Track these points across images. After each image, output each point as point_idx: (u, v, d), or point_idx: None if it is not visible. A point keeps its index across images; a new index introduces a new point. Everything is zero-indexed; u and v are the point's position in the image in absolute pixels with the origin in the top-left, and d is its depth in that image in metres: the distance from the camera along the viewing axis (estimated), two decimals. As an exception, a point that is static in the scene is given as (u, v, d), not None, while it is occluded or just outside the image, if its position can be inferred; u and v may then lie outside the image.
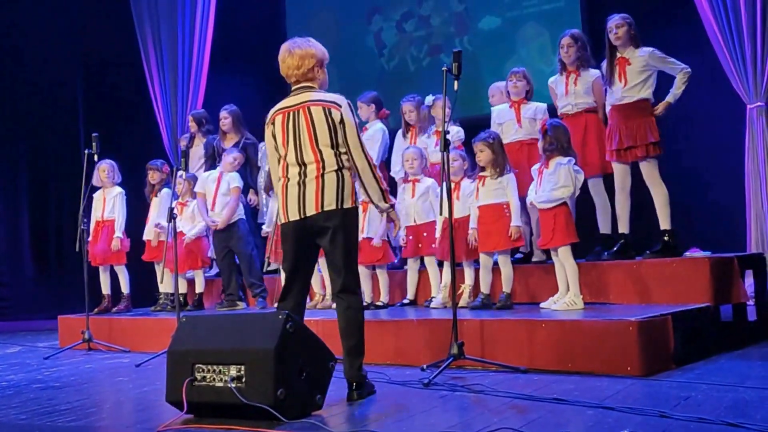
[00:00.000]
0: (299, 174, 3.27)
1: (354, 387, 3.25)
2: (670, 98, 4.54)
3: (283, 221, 3.35)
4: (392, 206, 3.45)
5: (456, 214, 4.41)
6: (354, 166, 3.29)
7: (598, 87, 4.91)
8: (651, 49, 4.55)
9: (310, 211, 3.23)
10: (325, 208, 3.22)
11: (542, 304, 4.39)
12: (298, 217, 3.26)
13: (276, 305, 3.44)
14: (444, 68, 3.74)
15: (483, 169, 4.64)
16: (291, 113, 3.30)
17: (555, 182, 4.27)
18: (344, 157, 3.28)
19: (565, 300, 4.18)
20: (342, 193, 3.24)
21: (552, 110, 5.14)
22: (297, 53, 3.31)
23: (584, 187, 4.79)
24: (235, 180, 5.94)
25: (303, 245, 3.32)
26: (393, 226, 3.64)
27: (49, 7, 8.48)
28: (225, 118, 6.52)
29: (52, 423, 3.09)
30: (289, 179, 3.30)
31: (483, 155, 4.59)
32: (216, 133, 6.72)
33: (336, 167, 3.25)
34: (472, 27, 7.42)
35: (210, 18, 8.38)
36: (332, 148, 3.25)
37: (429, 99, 5.42)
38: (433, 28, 7.67)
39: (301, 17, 8.53)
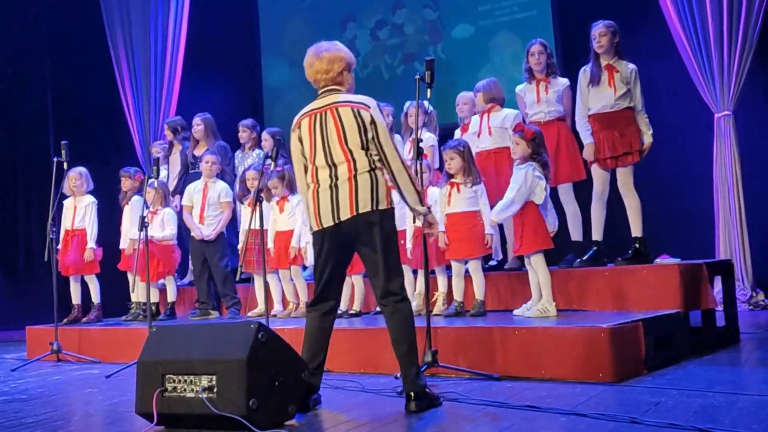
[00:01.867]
0: (330, 177, 3.15)
1: (412, 397, 3.06)
2: (648, 138, 4.58)
3: (315, 229, 3.20)
4: (429, 209, 3.37)
5: (417, 222, 4.40)
6: (388, 168, 3.18)
7: (567, 96, 4.97)
8: (635, 67, 4.61)
9: (345, 215, 3.11)
10: (360, 211, 3.10)
11: (515, 311, 4.41)
12: (332, 223, 3.13)
13: (307, 310, 3.31)
14: (417, 76, 3.75)
15: (452, 176, 4.64)
16: (318, 115, 3.20)
17: (511, 187, 4.29)
18: (376, 158, 3.16)
19: (538, 307, 4.20)
20: (377, 194, 3.12)
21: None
22: (326, 57, 3.23)
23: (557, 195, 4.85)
24: (225, 194, 5.90)
25: (339, 252, 3.21)
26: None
27: (19, 13, 8.35)
28: (197, 125, 6.48)
29: (18, 437, 3.03)
30: (319, 184, 3.17)
31: (454, 162, 4.60)
32: (190, 140, 6.67)
33: (368, 168, 3.14)
34: (446, 35, 7.48)
35: (183, 24, 8.33)
36: (362, 148, 3.15)
37: (406, 106, 5.46)
38: (406, 36, 7.71)
39: (275, 24, 8.52)
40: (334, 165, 3.15)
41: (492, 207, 4.52)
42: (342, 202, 3.12)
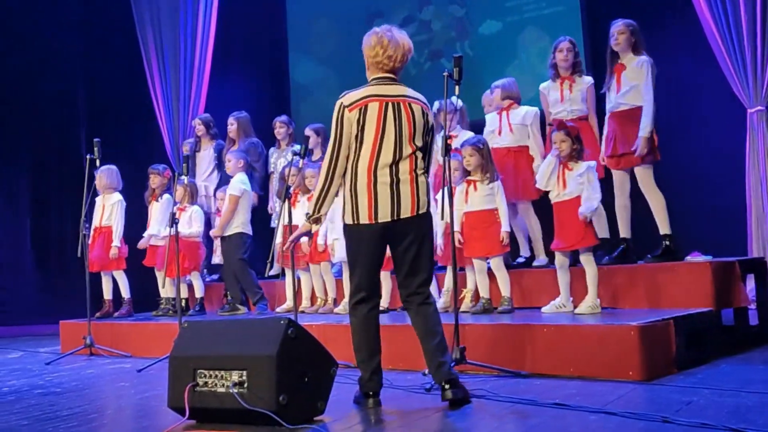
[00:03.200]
0: (391, 173, 3.08)
1: (449, 386, 3.06)
2: (642, 133, 4.43)
3: (366, 222, 3.10)
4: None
5: (444, 219, 4.40)
6: (426, 170, 3.23)
7: (591, 95, 4.93)
8: (647, 58, 4.51)
9: (405, 213, 3.09)
10: (420, 211, 3.12)
11: (543, 309, 4.39)
12: (389, 219, 3.09)
13: (352, 308, 3.26)
14: (445, 73, 3.74)
15: (468, 173, 4.63)
16: (391, 104, 3.11)
17: (582, 184, 4.24)
18: (424, 162, 3.20)
19: (588, 304, 4.15)
20: (428, 196, 3.19)
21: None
22: (403, 44, 3.17)
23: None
24: (231, 187, 5.90)
25: (383, 248, 3.19)
26: None
27: (51, 13, 8.50)
28: (231, 125, 6.54)
29: (54, 429, 3.09)
30: (377, 177, 3.08)
31: (473, 159, 4.58)
32: (223, 137, 6.74)
33: (424, 170, 3.18)
34: (473, 32, 7.44)
35: (212, 22, 8.39)
36: (421, 149, 3.16)
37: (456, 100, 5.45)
38: (433, 33, 7.69)
39: (302, 21, 8.55)
40: (399, 160, 3.09)
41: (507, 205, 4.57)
42: (404, 201, 3.08)
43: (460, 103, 5.42)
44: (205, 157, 6.82)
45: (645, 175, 4.52)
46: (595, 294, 4.18)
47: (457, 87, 3.75)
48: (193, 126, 7.21)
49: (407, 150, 3.11)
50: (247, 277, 5.85)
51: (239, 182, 5.92)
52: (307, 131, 6.21)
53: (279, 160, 6.41)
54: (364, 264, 3.16)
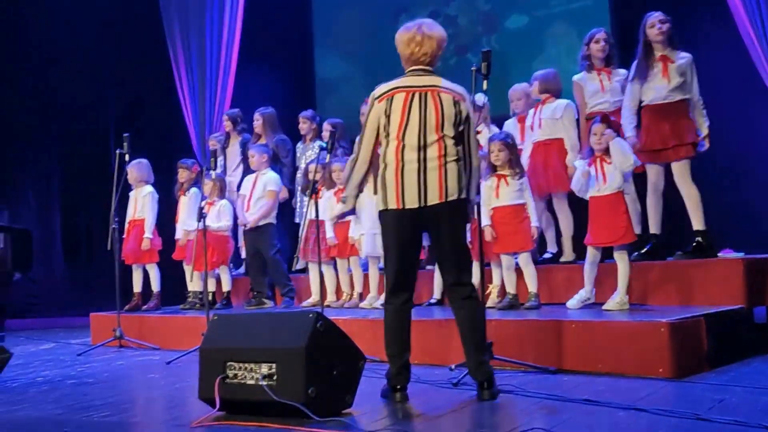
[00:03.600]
0: (418, 160, 3.09)
1: (485, 386, 3.10)
2: (705, 131, 4.48)
3: (394, 207, 3.12)
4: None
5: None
6: (469, 162, 3.20)
7: (624, 87, 4.84)
8: (690, 56, 4.50)
9: (433, 200, 3.08)
10: (449, 198, 3.10)
11: (568, 303, 4.35)
12: (416, 206, 3.09)
13: (385, 301, 3.25)
14: (473, 68, 3.72)
15: (494, 168, 4.61)
16: (417, 94, 3.14)
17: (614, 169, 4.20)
18: (461, 152, 3.18)
19: (617, 300, 4.12)
20: (462, 183, 3.15)
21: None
22: (436, 37, 3.21)
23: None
24: (271, 183, 5.96)
25: (416, 234, 3.19)
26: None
27: (81, 11, 8.62)
28: (257, 120, 6.58)
29: (88, 418, 3.15)
30: (404, 164, 3.10)
31: (502, 155, 4.55)
32: (250, 132, 6.78)
33: (456, 157, 3.15)
34: (499, 26, 7.39)
35: (238, 16, 8.44)
36: (453, 138, 3.15)
37: (480, 98, 5.44)
38: (460, 28, 7.65)
39: (328, 15, 8.56)
40: (425, 147, 3.10)
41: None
42: (431, 187, 3.08)
43: (483, 99, 5.39)
44: (233, 152, 6.87)
45: (683, 169, 4.44)
46: (625, 291, 4.14)
47: (485, 82, 3.72)
48: (222, 120, 7.27)
49: (432, 137, 3.11)
50: (280, 268, 5.89)
51: (276, 177, 5.99)
52: (326, 126, 6.24)
53: (304, 154, 6.43)
54: (395, 252, 3.17)
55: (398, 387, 3.22)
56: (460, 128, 3.17)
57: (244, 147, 6.72)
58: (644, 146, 4.52)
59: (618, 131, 4.31)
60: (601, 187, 4.22)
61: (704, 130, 4.48)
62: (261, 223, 5.92)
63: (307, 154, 6.35)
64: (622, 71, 4.88)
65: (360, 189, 3.31)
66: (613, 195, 4.19)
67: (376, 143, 3.21)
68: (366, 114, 3.24)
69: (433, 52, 3.21)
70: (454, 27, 7.69)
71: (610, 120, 4.32)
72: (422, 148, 3.11)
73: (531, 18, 7.19)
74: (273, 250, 5.91)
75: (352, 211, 3.44)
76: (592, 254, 4.30)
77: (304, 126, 6.55)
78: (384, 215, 3.19)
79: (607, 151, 4.22)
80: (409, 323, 3.25)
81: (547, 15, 7.09)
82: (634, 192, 4.73)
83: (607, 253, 4.33)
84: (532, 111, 5.16)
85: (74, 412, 3.27)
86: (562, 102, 5.03)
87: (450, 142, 3.15)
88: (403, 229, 3.14)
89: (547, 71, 5.15)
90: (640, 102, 4.60)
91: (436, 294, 5.19)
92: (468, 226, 4.74)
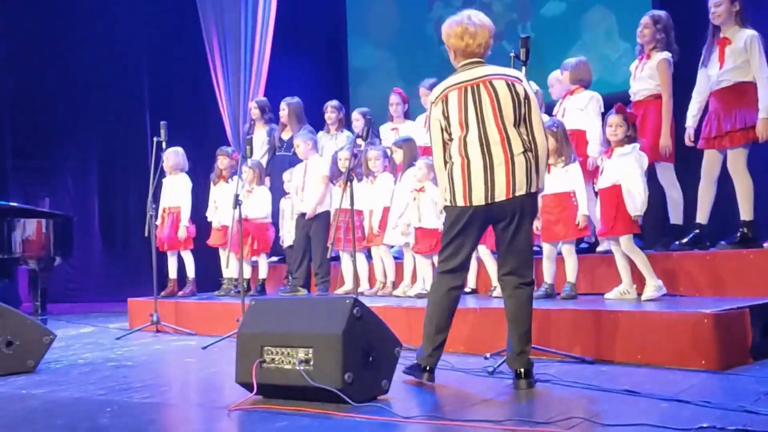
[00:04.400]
0: (484, 155, 3.07)
1: (523, 375, 3.10)
2: (763, 114, 4.16)
3: (462, 204, 3.12)
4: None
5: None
6: (534, 144, 3.14)
7: (663, 69, 4.61)
8: (754, 33, 4.23)
9: (500, 196, 3.08)
10: (516, 193, 3.08)
11: (607, 295, 4.29)
12: (483, 203, 3.09)
13: (436, 279, 3.27)
14: (512, 54, 3.67)
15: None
16: (469, 88, 3.11)
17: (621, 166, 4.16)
18: (527, 137, 3.13)
19: (652, 288, 4.06)
20: (530, 176, 3.11)
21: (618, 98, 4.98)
22: (487, 27, 3.18)
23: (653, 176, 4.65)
24: (323, 168, 5.88)
25: (480, 231, 3.20)
26: None
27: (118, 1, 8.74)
28: (283, 110, 6.58)
29: (128, 399, 3.20)
30: (470, 161, 3.09)
31: (548, 143, 4.50)
32: (277, 121, 6.80)
33: (522, 149, 3.11)
34: (535, 13, 7.29)
35: (272, 5, 8.46)
36: (516, 126, 3.11)
37: (534, 86, 5.39)
38: (494, 15, 7.48)
39: (362, 5, 8.54)
40: (488, 144, 3.08)
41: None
42: (498, 184, 3.07)
43: (536, 87, 5.33)
44: (258, 140, 6.87)
45: (739, 157, 4.29)
46: (653, 276, 4.08)
47: (523, 68, 3.67)
48: (249, 109, 7.29)
49: (495, 133, 3.08)
50: (324, 260, 5.87)
51: (325, 163, 5.94)
52: (356, 115, 6.22)
53: (328, 143, 6.40)
54: (456, 242, 3.18)
55: (427, 368, 3.23)
56: (522, 111, 3.11)
57: (270, 135, 6.74)
58: (704, 133, 4.39)
59: (634, 124, 4.20)
60: (602, 179, 4.22)
61: (761, 114, 4.16)
62: (322, 210, 5.89)
63: (330, 143, 6.31)
64: (660, 55, 4.69)
65: None
66: (611, 188, 4.18)
67: (445, 145, 3.18)
68: (427, 120, 3.23)
69: (486, 42, 3.17)
70: (488, 14, 7.43)
71: (626, 112, 4.23)
72: (485, 143, 3.08)
73: (568, 4, 7.07)
74: (324, 239, 5.86)
75: None
76: (613, 246, 4.27)
77: (332, 116, 6.52)
78: (449, 208, 3.19)
79: (619, 143, 4.17)
80: (454, 308, 3.26)
81: (584, 0, 6.96)
82: (675, 181, 4.62)
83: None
84: (559, 99, 5.10)
85: (115, 393, 3.33)
86: (588, 93, 4.96)
87: (513, 132, 3.10)
88: (467, 225, 3.14)
89: (578, 60, 5.08)
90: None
91: (471, 283, 5.16)
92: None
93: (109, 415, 2.88)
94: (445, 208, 3.23)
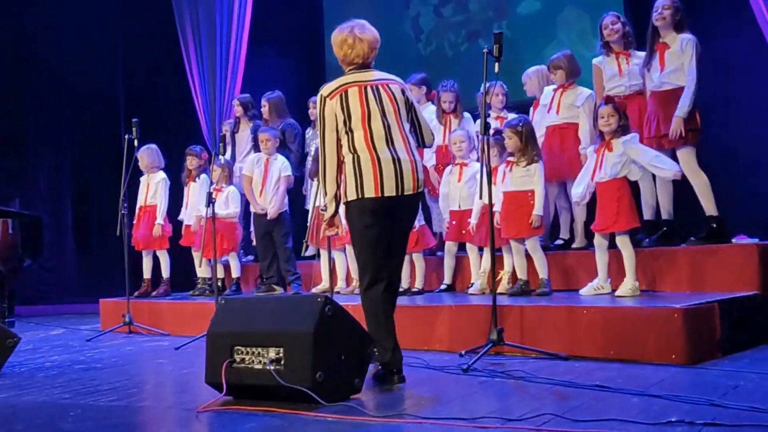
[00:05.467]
0: (389, 151, 3.16)
1: (396, 371, 3.20)
2: (678, 113, 4.31)
3: (372, 195, 3.13)
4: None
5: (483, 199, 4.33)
6: (422, 138, 3.37)
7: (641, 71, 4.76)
8: (691, 37, 4.37)
9: (409, 190, 3.17)
10: (419, 189, 3.23)
11: (581, 291, 4.32)
12: (395, 194, 3.14)
13: (364, 291, 3.26)
14: (485, 50, 3.68)
15: (511, 154, 4.57)
16: (370, 87, 3.22)
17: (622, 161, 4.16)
18: (415, 135, 3.33)
19: (628, 286, 4.08)
20: (421, 176, 3.28)
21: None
22: (367, 39, 3.30)
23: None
24: (285, 168, 5.88)
25: (388, 223, 3.19)
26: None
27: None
28: (263, 106, 6.55)
29: (95, 402, 3.14)
30: (378, 153, 3.15)
31: (511, 142, 4.54)
32: (260, 117, 6.75)
33: (416, 146, 3.30)
34: (511, 11, 7.30)
35: (248, 1, 8.39)
36: (410, 126, 3.31)
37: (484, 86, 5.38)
38: (471, 13, 7.57)
39: (339, 2, 8.49)
40: (393, 140, 3.19)
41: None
42: (407, 177, 3.16)
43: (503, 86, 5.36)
44: (243, 138, 6.82)
45: (687, 157, 4.38)
46: (634, 276, 4.11)
47: (497, 64, 3.68)
48: (233, 106, 7.23)
49: (397, 131, 3.21)
50: (292, 260, 5.85)
51: (287, 163, 5.92)
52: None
53: (314, 140, 6.38)
54: (371, 241, 3.18)
55: (395, 370, 3.22)
56: (411, 115, 3.32)
57: (255, 133, 6.68)
58: (648, 133, 4.46)
59: (625, 114, 4.24)
60: (598, 174, 4.21)
61: (680, 114, 4.28)
62: (282, 210, 5.86)
63: (316, 139, 6.29)
64: (641, 53, 4.78)
65: (337, 193, 3.26)
66: (612, 181, 4.17)
67: (340, 141, 3.22)
68: (319, 114, 3.25)
69: (365, 54, 3.29)
70: (465, 12, 7.61)
71: (615, 101, 4.26)
72: (390, 139, 3.19)
73: (543, 3, 7.09)
74: (285, 238, 5.86)
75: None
76: (598, 240, 4.27)
77: (314, 111, 6.50)
78: (356, 204, 3.18)
79: (613, 134, 4.17)
80: (392, 308, 3.30)
81: (558, 0, 7.00)
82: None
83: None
84: (550, 93, 5.08)
85: (81, 396, 3.27)
86: (585, 91, 4.98)
87: (409, 133, 3.28)
88: (379, 217, 3.16)
89: (570, 55, 5.07)
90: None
91: (447, 279, 5.16)
92: (476, 211, 4.73)
93: (72, 419, 2.81)
94: (350, 205, 3.20)
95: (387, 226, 3.19)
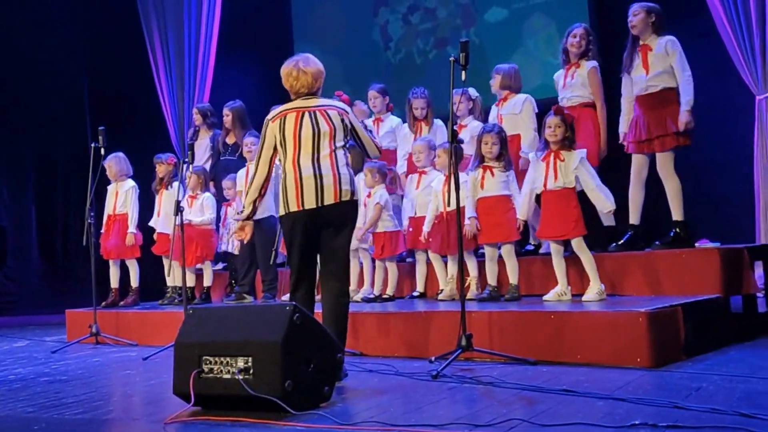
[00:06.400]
0: (313, 168, 3.46)
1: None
2: (686, 107, 4.36)
3: (295, 209, 3.46)
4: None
5: (450, 207, 4.36)
6: (367, 154, 3.73)
7: (594, 77, 4.79)
8: (671, 38, 4.44)
9: (329, 201, 3.45)
10: (343, 198, 3.48)
11: (545, 297, 4.34)
12: (314, 206, 3.45)
13: (290, 294, 3.58)
14: (451, 58, 3.72)
15: (482, 159, 4.60)
16: (307, 112, 3.53)
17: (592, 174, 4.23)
18: (347, 156, 3.61)
19: (594, 291, 4.13)
20: (354, 186, 3.53)
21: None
22: (310, 72, 3.59)
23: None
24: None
25: (312, 234, 3.51)
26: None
27: (55, 2, 8.48)
28: (226, 115, 6.52)
29: (59, 416, 3.09)
30: (302, 171, 3.47)
31: (496, 148, 4.56)
32: (220, 126, 6.72)
33: (345, 162, 3.56)
34: (479, 19, 7.39)
35: (216, 9, 8.36)
36: (343, 147, 3.57)
37: (473, 92, 5.43)
38: (439, 21, 7.64)
39: (307, 10, 8.51)
40: (319, 158, 3.48)
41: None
42: (327, 190, 3.45)
43: (475, 93, 5.42)
44: (202, 146, 6.78)
45: (668, 160, 4.44)
46: (598, 279, 4.17)
47: (463, 72, 3.73)
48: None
49: (327, 149, 3.50)
50: (273, 267, 5.79)
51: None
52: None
53: None
54: (296, 249, 3.51)
55: None
56: (349, 137, 3.63)
57: (213, 141, 6.66)
58: (632, 137, 4.52)
59: (572, 125, 4.29)
60: (554, 183, 4.26)
61: (685, 106, 4.34)
62: (265, 215, 5.82)
63: None
64: (590, 63, 4.83)
65: (256, 200, 3.63)
66: (564, 190, 4.24)
67: (273, 158, 3.60)
68: (261, 134, 3.63)
69: (309, 85, 3.59)
70: (433, 20, 7.68)
71: (564, 113, 4.32)
72: (316, 157, 3.48)
73: (510, 11, 7.20)
74: (272, 243, 5.77)
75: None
76: (554, 247, 4.32)
77: None
78: (284, 218, 3.53)
79: (559, 144, 4.24)
80: (311, 310, 3.58)
81: (526, 7, 7.10)
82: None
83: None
84: (494, 107, 5.18)
85: (45, 410, 3.21)
86: (521, 97, 5.06)
87: (341, 152, 3.55)
88: (302, 228, 3.48)
89: (510, 66, 5.20)
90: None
91: (419, 287, 5.17)
92: (430, 217, 4.78)
93: (35, 433, 2.77)
94: (280, 219, 3.58)
95: (313, 233, 3.49)
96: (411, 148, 5.40)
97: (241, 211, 3.69)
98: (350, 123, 3.63)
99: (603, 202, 4.20)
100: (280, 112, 3.59)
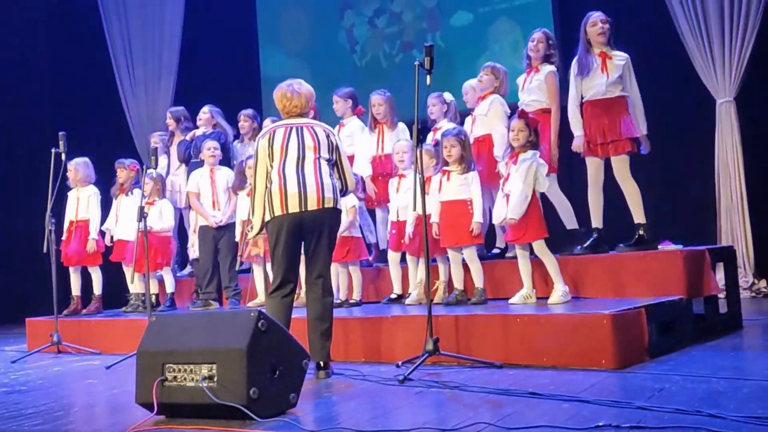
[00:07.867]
0: (297, 176, 3.65)
1: (323, 366, 3.65)
2: (644, 131, 4.55)
3: (280, 213, 3.64)
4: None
5: (417, 210, 4.36)
6: (345, 182, 3.88)
7: (551, 81, 4.78)
8: (628, 57, 4.55)
9: (312, 206, 3.64)
10: (325, 206, 3.67)
11: (511, 300, 4.35)
12: (298, 210, 3.64)
13: (269, 295, 3.76)
14: (416, 63, 3.72)
15: (446, 163, 4.62)
16: (294, 128, 3.76)
17: (523, 176, 4.26)
18: (337, 176, 3.83)
19: (559, 293, 4.16)
20: (336, 195, 3.74)
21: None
22: (304, 94, 3.84)
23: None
24: (230, 178, 5.85)
25: (296, 237, 3.69)
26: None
27: (15, 7, 8.30)
28: (205, 113, 6.37)
29: (18, 427, 3.01)
30: (286, 178, 3.66)
31: (454, 151, 4.56)
32: (195, 129, 6.60)
33: (329, 173, 3.75)
34: (444, 23, 7.43)
35: (180, 13, 8.27)
36: (328, 161, 3.78)
37: (448, 96, 5.42)
38: (405, 24, 7.66)
39: (272, 13, 8.45)
40: (303, 166, 3.68)
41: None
42: (310, 196, 3.64)
43: (450, 97, 5.41)
44: (176, 151, 6.68)
45: (622, 165, 4.50)
46: (562, 281, 4.19)
47: (428, 77, 3.73)
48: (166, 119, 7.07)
49: (311, 159, 3.70)
50: (234, 270, 5.75)
51: (232, 173, 5.91)
52: (266, 122, 6.07)
53: (243, 152, 6.28)
54: (281, 253, 3.67)
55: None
56: (334, 155, 3.81)
57: (182, 146, 6.55)
58: (597, 140, 4.55)
59: (536, 129, 4.33)
60: (506, 185, 4.30)
61: (643, 130, 4.54)
62: (232, 220, 5.77)
63: (246, 152, 6.20)
64: (548, 67, 4.85)
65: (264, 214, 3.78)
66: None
67: (269, 172, 3.75)
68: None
69: (302, 106, 3.83)
70: (399, 24, 7.69)
71: (528, 117, 4.36)
72: (301, 166, 3.68)
73: (476, 15, 7.25)
74: (234, 249, 5.74)
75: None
76: (519, 251, 4.34)
77: (245, 124, 6.43)
78: (270, 222, 3.70)
79: (521, 148, 4.27)
80: (290, 312, 3.76)
81: (491, 11, 7.16)
82: (558, 190, 4.78)
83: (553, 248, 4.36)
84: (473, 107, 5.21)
85: (3, 422, 3.12)
86: (490, 97, 5.06)
87: (324, 163, 3.74)
88: (287, 232, 3.65)
89: (503, 68, 5.16)
90: (582, 98, 4.63)
91: (396, 289, 5.13)
92: (411, 221, 4.76)
93: (-7, 445, 2.69)
94: (267, 225, 3.73)
95: (296, 237, 3.67)
96: (380, 150, 5.37)
97: (251, 228, 3.90)
98: (335, 142, 3.83)
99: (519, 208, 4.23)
100: (270, 128, 3.83)
